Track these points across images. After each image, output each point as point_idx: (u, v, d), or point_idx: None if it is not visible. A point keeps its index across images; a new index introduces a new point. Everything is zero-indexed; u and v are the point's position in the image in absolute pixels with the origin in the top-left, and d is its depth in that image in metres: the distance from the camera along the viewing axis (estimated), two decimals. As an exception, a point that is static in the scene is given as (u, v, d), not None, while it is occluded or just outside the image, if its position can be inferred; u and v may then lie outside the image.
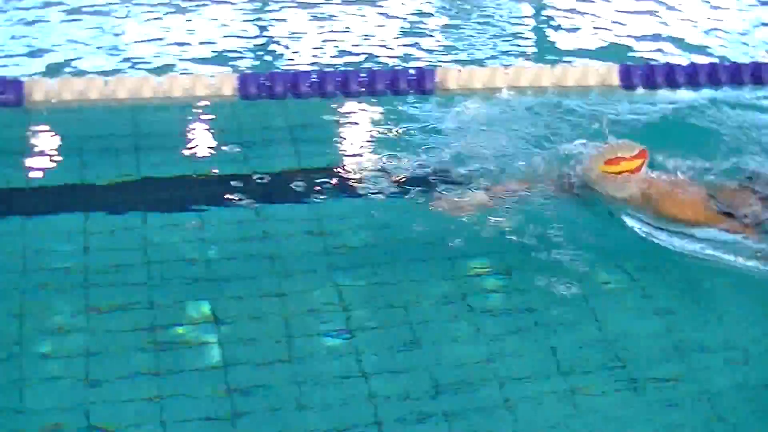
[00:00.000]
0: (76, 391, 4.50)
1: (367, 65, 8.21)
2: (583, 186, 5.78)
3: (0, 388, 4.49)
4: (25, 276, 5.26)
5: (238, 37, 8.80)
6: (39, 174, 6.35)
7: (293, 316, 4.99)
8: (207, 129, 7.06)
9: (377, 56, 8.47)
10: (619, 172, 5.67)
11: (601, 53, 8.71)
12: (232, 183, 6.09)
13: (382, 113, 7.29)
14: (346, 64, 8.19)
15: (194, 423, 4.37)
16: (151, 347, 4.76)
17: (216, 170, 6.37)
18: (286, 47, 8.69)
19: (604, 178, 5.69)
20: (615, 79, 7.83)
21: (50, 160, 6.50)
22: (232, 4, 9.50)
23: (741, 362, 4.89)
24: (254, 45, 8.71)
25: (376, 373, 4.67)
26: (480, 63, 8.30)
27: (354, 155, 6.64)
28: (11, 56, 8.13)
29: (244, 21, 9.18)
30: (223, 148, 6.65)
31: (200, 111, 7.21)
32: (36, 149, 6.67)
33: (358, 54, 8.51)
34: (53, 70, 7.82)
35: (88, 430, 4.30)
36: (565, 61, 8.34)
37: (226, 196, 5.99)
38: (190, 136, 6.89)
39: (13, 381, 4.53)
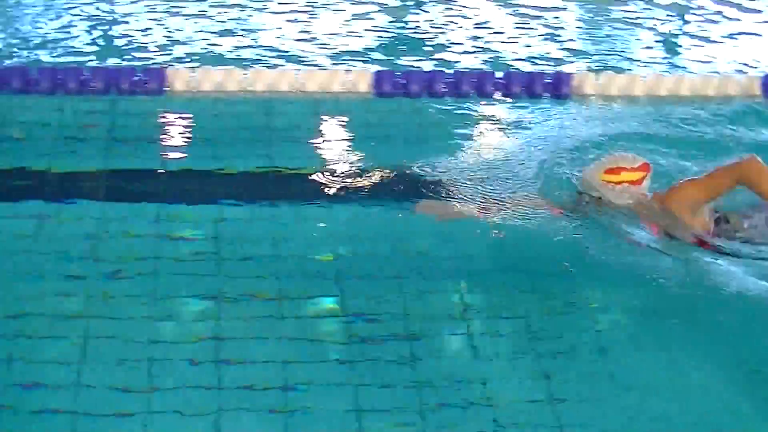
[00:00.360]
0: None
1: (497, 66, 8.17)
2: (587, 201, 5.78)
3: (132, 368, 4.60)
4: (158, 262, 5.38)
5: (376, 33, 8.84)
6: (174, 161, 6.48)
7: (423, 319, 4.98)
8: (339, 124, 7.10)
9: (514, 58, 8.43)
10: (619, 182, 5.68)
11: (742, 63, 8.53)
12: (361, 178, 6.14)
13: (515, 115, 7.24)
14: (481, 65, 8.17)
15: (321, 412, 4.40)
16: (277, 337, 4.80)
17: (346, 166, 6.40)
18: (424, 46, 8.68)
19: (603, 186, 5.70)
20: (757, 90, 7.67)
21: (186, 148, 6.64)
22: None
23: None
24: (391, 42, 8.73)
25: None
26: (618, 69, 8.19)
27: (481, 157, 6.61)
28: (155, 46, 8.29)
29: (383, 17, 9.21)
30: (354, 144, 6.69)
31: (334, 106, 7.25)
32: (173, 137, 6.82)
33: (494, 54, 8.47)
34: (194, 61, 7.97)
35: (218, 414, 4.39)
36: (704, 71, 8.20)
37: (355, 191, 6.04)
38: (323, 130, 6.96)
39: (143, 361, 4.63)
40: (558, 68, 8.13)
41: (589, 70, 8.13)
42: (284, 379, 4.50)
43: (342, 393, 4.46)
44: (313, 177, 6.19)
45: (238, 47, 8.35)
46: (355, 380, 4.53)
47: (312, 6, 9.30)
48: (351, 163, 6.43)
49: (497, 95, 7.47)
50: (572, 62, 8.46)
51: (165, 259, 5.39)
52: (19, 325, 4.77)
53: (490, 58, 8.38)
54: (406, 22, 9.20)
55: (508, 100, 7.45)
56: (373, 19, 9.16)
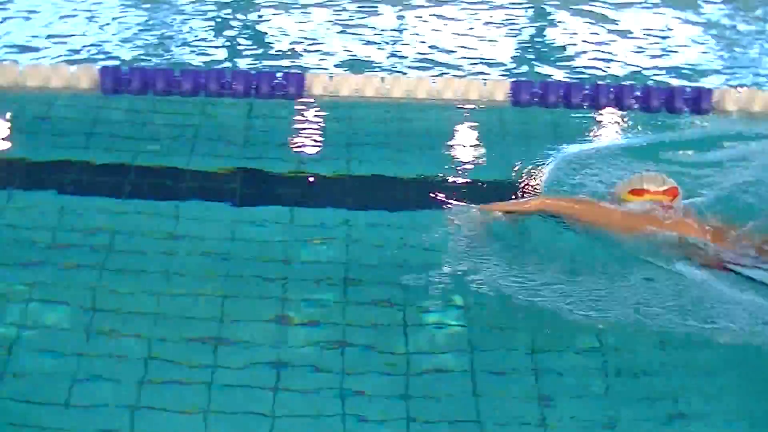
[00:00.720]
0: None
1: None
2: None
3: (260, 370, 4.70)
4: (288, 266, 5.48)
5: (513, 42, 8.80)
6: (306, 165, 6.58)
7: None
8: (475, 133, 7.08)
9: (655, 71, 8.31)
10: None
11: None
12: (495, 188, 6.12)
13: (652, 129, 7.13)
14: (620, 77, 8.08)
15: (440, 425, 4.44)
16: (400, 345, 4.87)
17: (477, 173, 6.40)
18: (561, 55, 8.62)
19: (626, 203, 5.57)
20: None
21: (320, 152, 6.73)
22: (507, 8, 9.49)
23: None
24: (528, 52, 8.68)
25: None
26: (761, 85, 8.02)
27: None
28: (295, 51, 8.40)
29: (520, 26, 9.16)
30: (489, 152, 6.66)
31: (470, 114, 7.25)
32: (310, 140, 6.90)
33: (633, 67, 8.37)
34: (333, 66, 8.08)
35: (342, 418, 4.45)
36: None
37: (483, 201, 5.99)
38: (457, 138, 6.94)
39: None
40: (698, 83, 7.99)
41: (730, 85, 7.96)
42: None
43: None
44: (444, 184, 6.21)
45: (376, 53, 8.41)
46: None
47: (451, 15, 9.29)
48: (481, 171, 6.42)
49: (635, 108, 7.36)
50: (713, 76, 8.30)
51: (295, 262, 5.52)
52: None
53: (630, 71, 8.27)
54: (543, 32, 9.13)
55: (647, 113, 7.32)
56: (510, 28, 9.11)
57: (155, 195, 6.17)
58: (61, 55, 8.06)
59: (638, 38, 9.02)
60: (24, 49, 8.18)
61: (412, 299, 5.14)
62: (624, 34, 9.10)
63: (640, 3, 9.73)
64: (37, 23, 8.73)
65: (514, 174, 6.28)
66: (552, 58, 8.57)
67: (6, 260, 5.52)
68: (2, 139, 6.78)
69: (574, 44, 8.86)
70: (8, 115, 7.06)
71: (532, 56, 8.61)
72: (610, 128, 7.21)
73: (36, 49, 8.20)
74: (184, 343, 4.90)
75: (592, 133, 7.08)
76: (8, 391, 4.62)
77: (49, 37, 8.46)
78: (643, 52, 8.74)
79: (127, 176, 6.34)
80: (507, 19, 9.29)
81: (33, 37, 8.44)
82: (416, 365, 4.73)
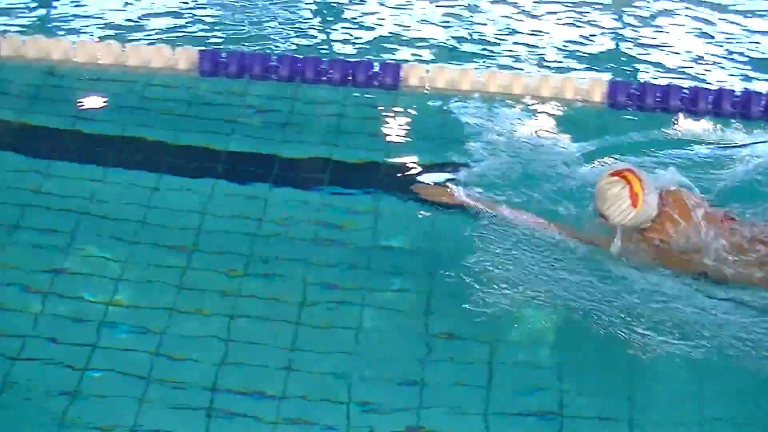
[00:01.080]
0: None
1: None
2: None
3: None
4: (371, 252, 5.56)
5: (611, 42, 8.69)
6: (398, 156, 6.60)
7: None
8: (569, 131, 6.99)
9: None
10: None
11: None
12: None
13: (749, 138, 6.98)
14: (719, 82, 7.91)
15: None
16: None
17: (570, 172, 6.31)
18: (662, 56, 8.48)
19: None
20: None
21: (410, 144, 6.75)
22: (600, 7, 9.38)
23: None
24: (627, 52, 8.55)
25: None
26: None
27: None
28: (391, 42, 8.40)
29: (620, 25, 9.05)
30: (582, 152, 6.59)
31: (563, 113, 7.19)
32: (403, 131, 6.92)
33: (738, 72, 8.21)
34: (429, 58, 8.07)
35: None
36: None
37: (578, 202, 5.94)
38: (549, 136, 6.86)
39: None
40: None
41: None
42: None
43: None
44: (538, 184, 6.17)
45: (474, 46, 8.36)
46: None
47: (548, 12, 9.19)
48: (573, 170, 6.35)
49: (734, 115, 7.22)
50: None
51: (376, 249, 5.59)
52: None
53: (732, 75, 8.11)
54: (641, 32, 8.98)
55: (744, 121, 7.16)
56: (607, 27, 8.98)
57: (245, 179, 6.25)
58: (160, 37, 8.16)
59: (742, 42, 8.81)
60: (127, 29, 8.29)
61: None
62: (729, 37, 8.89)
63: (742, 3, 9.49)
64: (142, 4, 8.85)
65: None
66: (649, 60, 8.42)
67: (97, 235, 5.65)
68: (101, 115, 6.90)
69: (675, 46, 8.67)
70: (109, 92, 7.17)
71: (629, 56, 8.46)
72: (707, 134, 7.06)
73: (138, 30, 8.31)
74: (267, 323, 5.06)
75: (691, 139, 6.94)
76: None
77: (149, 17, 8.57)
78: (745, 56, 8.53)
79: (218, 160, 6.43)
80: (603, 18, 9.15)
81: (138, 18, 8.56)
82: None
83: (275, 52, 7.89)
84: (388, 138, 6.85)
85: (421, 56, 8.10)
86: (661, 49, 8.55)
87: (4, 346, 4.89)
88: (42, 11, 8.67)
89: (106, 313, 5.11)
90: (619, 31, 8.89)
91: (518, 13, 9.04)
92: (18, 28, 8.16)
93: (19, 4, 8.67)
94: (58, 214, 5.80)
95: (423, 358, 4.89)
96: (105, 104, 7.05)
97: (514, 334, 5.04)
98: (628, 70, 8.14)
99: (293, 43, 8.24)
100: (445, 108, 7.14)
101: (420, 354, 4.92)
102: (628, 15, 9.18)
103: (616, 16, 9.20)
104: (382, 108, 7.16)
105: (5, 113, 6.79)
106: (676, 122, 7.10)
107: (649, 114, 7.24)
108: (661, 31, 8.91)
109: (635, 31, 8.90)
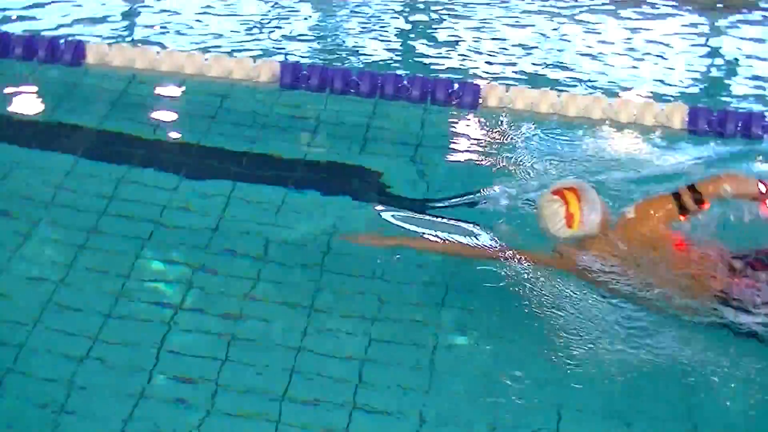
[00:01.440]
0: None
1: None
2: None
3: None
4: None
5: (691, 67, 8.59)
6: (473, 175, 6.57)
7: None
8: (647, 158, 6.92)
9: None
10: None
11: None
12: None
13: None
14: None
15: None
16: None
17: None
18: (740, 83, 8.38)
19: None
20: None
21: (487, 164, 6.69)
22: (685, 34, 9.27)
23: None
24: (706, 78, 8.46)
25: None
26: None
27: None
28: (471, 60, 8.40)
29: (702, 52, 8.95)
30: (662, 176, 6.51)
31: (643, 138, 7.12)
32: (485, 151, 6.88)
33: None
34: (507, 78, 8.03)
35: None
36: None
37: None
38: (625, 161, 6.78)
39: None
40: None
41: None
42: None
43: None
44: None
45: (553, 70, 8.33)
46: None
47: (631, 36, 9.12)
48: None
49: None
50: None
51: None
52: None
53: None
54: (723, 57, 8.87)
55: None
56: (689, 52, 8.89)
57: (322, 191, 6.29)
58: (242, 49, 8.25)
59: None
60: (208, 40, 8.39)
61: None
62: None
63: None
64: (224, 17, 8.95)
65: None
66: (729, 86, 8.32)
67: (170, 243, 5.71)
68: (179, 124, 6.99)
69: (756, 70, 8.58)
70: (189, 102, 7.26)
71: (710, 82, 8.37)
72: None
73: (219, 41, 8.41)
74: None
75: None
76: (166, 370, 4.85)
77: (233, 31, 8.67)
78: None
79: (295, 170, 6.47)
80: (686, 42, 9.06)
81: (219, 30, 8.66)
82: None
83: (355, 66, 7.95)
84: (463, 156, 6.84)
85: (501, 76, 8.08)
86: (744, 77, 8.45)
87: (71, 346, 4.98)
88: (127, 21, 8.80)
89: (172, 318, 5.16)
90: (702, 57, 8.81)
91: (598, 37, 8.99)
92: (103, 37, 8.30)
93: (105, 13, 8.80)
94: (132, 222, 5.88)
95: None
96: (184, 114, 7.14)
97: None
98: (709, 97, 8.04)
99: (374, 59, 8.28)
100: (522, 129, 7.11)
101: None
102: (715, 40, 9.11)
103: (703, 42, 9.11)
104: (460, 126, 7.17)
105: (87, 120, 6.89)
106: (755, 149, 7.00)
107: (729, 140, 7.13)
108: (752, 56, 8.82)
109: (719, 56, 8.82)
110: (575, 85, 8.02)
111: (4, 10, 8.62)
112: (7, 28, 8.13)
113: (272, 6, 9.26)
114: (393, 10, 9.34)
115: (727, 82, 8.42)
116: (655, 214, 5.35)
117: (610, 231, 5.41)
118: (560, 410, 4.71)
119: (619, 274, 5.25)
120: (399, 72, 7.76)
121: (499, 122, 7.22)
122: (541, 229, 5.44)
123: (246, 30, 8.70)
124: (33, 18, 8.53)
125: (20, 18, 8.50)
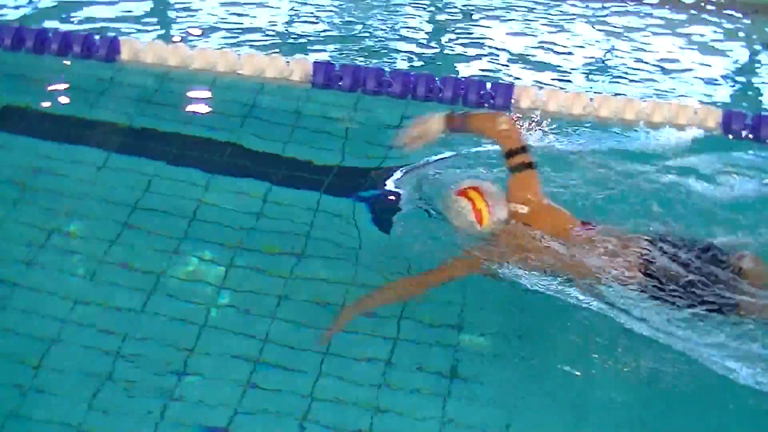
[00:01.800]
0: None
1: None
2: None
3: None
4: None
5: (727, 70, 8.55)
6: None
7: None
8: (682, 161, 6.86)
9: None
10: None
11: None
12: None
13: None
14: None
15: None
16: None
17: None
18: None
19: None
20: None
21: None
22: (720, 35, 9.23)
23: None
24: (744, 80, 8.41)
25: None
26: None
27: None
28: (504, 61, 8.37)
29: (738, 55, 8.89)
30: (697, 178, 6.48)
31: (677, 141, 7.07)
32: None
33: None
34: (540, 80, 8.02)
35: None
36: None
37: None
38: (660, 164, 6.72)
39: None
40: None
41: None
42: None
43: None
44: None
45: (586, 72, 8.30)
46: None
47: (665, 40, 9.07)
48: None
49: None
50: None
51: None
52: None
53: None
54: (759, 62, 8.81)
55: None
56: (724, 56, 8.83)
57: (349, 194, 6.30)
58: (275, 47, 8.24)
59: None
60: (243, 38, 8.40)
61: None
62: None
63: None
64: (257, 15, 8.96)
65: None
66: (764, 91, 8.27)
67: (204, 240, 5.73)
68: (211, 121, 7.01)
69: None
70: (221, 99, 7.27)
71: (745, 86, 8.31)
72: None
73: (253, 39, 8.41)
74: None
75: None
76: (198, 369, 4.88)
77: (266, 29, 8.67)
78: None
79: (329, 174, 6.48)
80: (721, 46, 9.00)
81: (252, 27, 8.67)
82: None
83: (389, 66, 7.94)
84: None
85: (534, 77, 8.05)
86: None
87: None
88: (160, 18, 8.82)
89: (207, 317, 5.17)
90: (737, 61, 8.75)
91: (633, 44, 8.94)
92: (137, 32, 8.34)
93: (139, 10, 8.83)
94: (164, 217, 5.91)
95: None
96: (216, 111, 7.16)
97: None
98: (744, 100, 7.99)
99: (406, 59, 8.28)
100: (554, 130, 7.08)
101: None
102: (753, 45, 9.05)
103: (744, 44, 9.06)
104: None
105: (119, 116, 6.92)
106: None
107: (763, 144, 7.07)
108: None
109: (755, 61, 8.77)
110: (607, 87, 7.99)
111: (41, 6, 8.65)
112: (44, 24, 8.16)
113: (303, 3, 9.24)
114: (424, 8, 9.31)
115: (762, 86, 8.35)
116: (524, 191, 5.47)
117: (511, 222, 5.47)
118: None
119: (534, 259, 5.33)
120: (431, 73, 7.73)
121: (532, 124, 7.19)
122: (455, 228, 5.48)
123: (278, 28, 8.69)
124: (68, 14, 8.55)
125: (56, 14, 8.52)
